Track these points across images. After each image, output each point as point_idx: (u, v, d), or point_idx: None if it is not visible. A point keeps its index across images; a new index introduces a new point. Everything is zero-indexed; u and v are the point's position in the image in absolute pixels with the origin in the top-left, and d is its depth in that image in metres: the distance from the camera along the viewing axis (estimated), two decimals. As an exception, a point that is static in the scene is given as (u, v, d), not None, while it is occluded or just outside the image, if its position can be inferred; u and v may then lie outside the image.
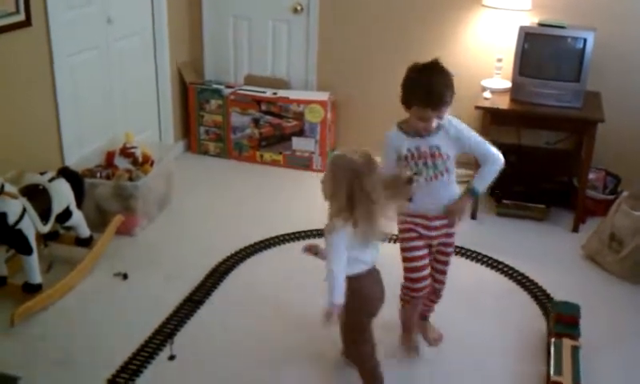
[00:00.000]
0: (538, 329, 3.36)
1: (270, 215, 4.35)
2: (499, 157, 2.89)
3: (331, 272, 2.50)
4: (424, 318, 3.19)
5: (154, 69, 4.96)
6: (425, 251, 2.93)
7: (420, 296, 2.97)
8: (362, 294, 2.63)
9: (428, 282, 2.96)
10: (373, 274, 2.72)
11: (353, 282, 2.58)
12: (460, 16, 4.66)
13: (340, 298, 2.51)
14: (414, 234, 2.90)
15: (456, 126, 2.90)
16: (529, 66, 4.23)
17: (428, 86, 2.73)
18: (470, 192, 2.92)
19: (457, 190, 2.94)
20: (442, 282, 3.09)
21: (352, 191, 2.50)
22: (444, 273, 3.08)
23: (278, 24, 5.13)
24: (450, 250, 3.04)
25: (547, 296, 3.62)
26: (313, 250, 2.85)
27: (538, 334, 3.32)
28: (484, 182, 2.92)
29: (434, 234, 2.92)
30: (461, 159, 4.90)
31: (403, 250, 2.95)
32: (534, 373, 3.05)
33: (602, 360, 3.15)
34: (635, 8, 4.35)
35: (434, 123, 2.79)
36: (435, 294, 3.11)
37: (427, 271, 2.95)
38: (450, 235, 2.99)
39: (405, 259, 2.95)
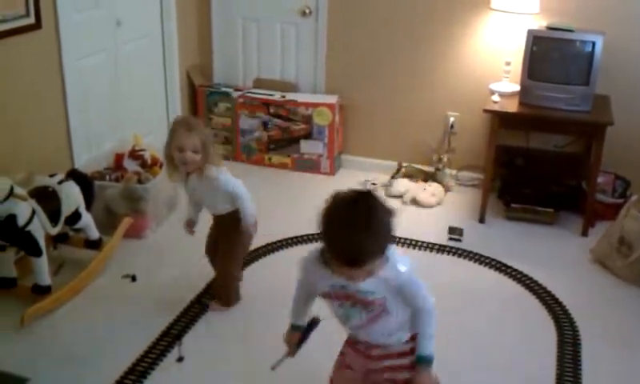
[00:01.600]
0: (546, 333, 3.35)
1: (278, 218, 4.35)
2: (427, 304, 2.25)
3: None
4: None
5: (163, 71, 4.98)
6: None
7: None
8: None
9: None
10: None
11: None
12: (468, 19, 4.65)
13: None
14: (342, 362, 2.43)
15: (399, 282, 2.12)
16: (537, 69, 4.22)
17: (339, 239, 1.98)
18: (422, 363, 2.26)
19: (404, 331, 2.28)
20: None
21: None
22: None
23: (286, 27, 5.14)
24: None
25: (556, 300, 3.61)
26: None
27: (546, 338, 3.31)
28: (429, 340, 2.27)
29: (371, 366, 2.33)
30: (472, 162, 4.91)
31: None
32: (542, 377, 3.04)
33: (610, 364, 3.14)
34: (644, 11, 4.34)
35: (363, 276, 2.03)
36: None
37: None
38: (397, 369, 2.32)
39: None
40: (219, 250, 3.43)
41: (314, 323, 2.44)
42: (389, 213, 2.00)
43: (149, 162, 4.25)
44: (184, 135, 3.10)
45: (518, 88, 4.39)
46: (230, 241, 3.37)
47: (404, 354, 2.29)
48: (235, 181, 3.30)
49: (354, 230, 1.93)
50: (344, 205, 2.00)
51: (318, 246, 2.16)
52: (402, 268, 2.11)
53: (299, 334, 2.46)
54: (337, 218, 1.98)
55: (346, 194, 2.01)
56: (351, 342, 2.39)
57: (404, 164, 4.99)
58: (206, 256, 3.56)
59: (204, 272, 3.73)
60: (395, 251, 2.10)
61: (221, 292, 3.47)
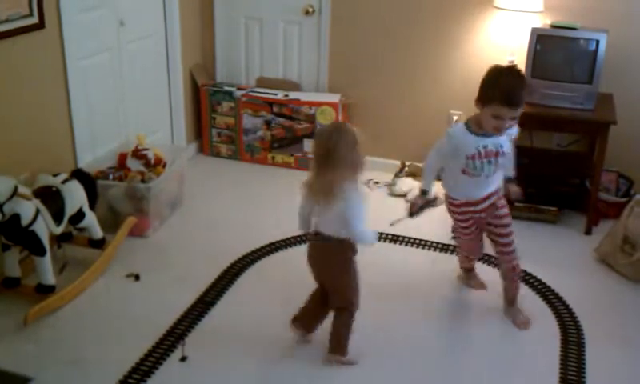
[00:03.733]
0: (549, 332, 3.35)
1: (281, 217, 4.35)
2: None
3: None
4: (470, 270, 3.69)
5: (166, 71, 4.98)
6: (475, 232, 3.37)
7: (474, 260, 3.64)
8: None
9: (479, 254, 3.58)
10: (311, 240, 3.02)
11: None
12: (472, 18, 4.65)
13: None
14: (464, 222, 3.33)
15: (514, 130, 3.20)
16: (541, 67, 4.22)
17: (509, 87, 2.95)
18: (512, 180, 3.34)
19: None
20: (505, 245, 3.31)
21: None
22: (503, 235, 3.31)
23: (289, 26, 5.14)
24: (505, 220, 3.29)
25: (559, 299, 3.60)
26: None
27: (550, 337, 3.31)
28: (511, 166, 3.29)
29: (482, 215, 3.27)
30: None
31: (457, 233, 3.48)
32: (546, 376, 3.04)
33: (614, 363, 3.14)
34: (648, 9, 4.33)
35: (507, 124, 3.01)
36: (502, 255, 3.37)
37: (478, 247, 3.49)
38: (499, 207, 3.26)
39: (459, 241, 3.55)
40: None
41: (435, 200, 3.46)
42: None
43: (152, 161, 4.25)
44: None
45: (521, 86, 4.38)
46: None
47: (499, 191, 3.27)
48: None
49: (520, 79, 3.01)
50: (507, 66, 3.22)
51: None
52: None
53: (423, 200, 3.44)
54: (506, 71, 3.06)
55: (502, 65, 3.13)
56: (468, 204, 3.25)
57: (407, 163, 4.98)
58: None
59: (207, 271, 3.73)
60: None
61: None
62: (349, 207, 2.77)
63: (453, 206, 3.32)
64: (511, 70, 3.12)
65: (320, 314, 3.11)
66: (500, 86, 2.95)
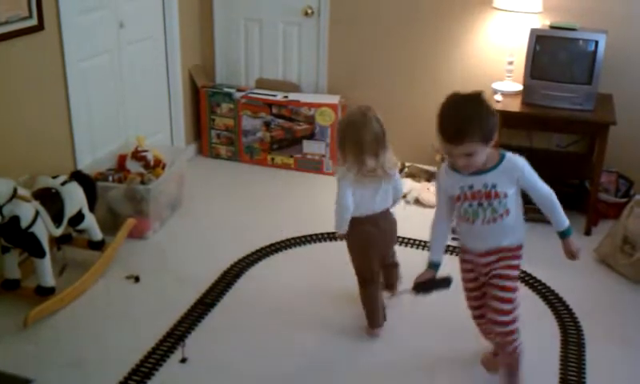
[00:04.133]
0: (549, 333, 3.35)
1: (281, 218, 4.35)
2: (551, 193, 2.78)
3: (336, 207, 3.04)
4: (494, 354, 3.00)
5: (166, 73, 4.98)
6: (477, 292, 2.85)
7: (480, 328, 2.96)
8: (357, 233, 3.08)
9: (482, 319, 2.88)
10: (374, 218, 3.08)
11: (354, 222, 3.05)
12: (471, 19, 4.65)
13: (340, 228, 3.06)
14: (465, 272, 2.88)
15: (516, 166, 2.66)
16: (540, 68, 4.22)
17: (448, 120, 2.55)
18: (567, 234, 2.82)
19: (522, 230, 2.82)
20: (494, 322, 2.75)
21: (344, 140, 3.00)
22: (495, 311, 2.73)
23: (288, 27, 5.14)
24: (503, 282, 2.72)
25: (559, 299, 3.60)
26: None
27: (550, 337, 3.31)
28: (563, 215, 2.82)
29: (487, 269, 2.76)
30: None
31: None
32: (546, 377, 3.04)
33: (614, 364, 3.14)
34: (647, 10, 4.33)
35: (477, 160, 2.53)
36: (494, 333, 2.80)
37: (478, 309, 2.88)
38: (505, 266, 2.74)
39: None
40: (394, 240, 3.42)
41: (446, 280, 2.79)
42: (492, 114, 2.53)
43: (152, 163, 4.25)
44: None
45: (520, 87, 4.39)
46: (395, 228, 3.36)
47: (515, 250, 2.77)
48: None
49: (457, 112, 2.50)
50: (455, 97, 2.56)
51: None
52: (519, 159, 2.63)
53: (431, 274, 2.82)
54: (447, 105, 2.55)
55: (459, 93, 2.56)
56: (469, 252, 2.80)
57: (407, 164, 4.99)
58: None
59: (207, 272, 3.73)
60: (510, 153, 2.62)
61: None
62: (397, 179, 3.18)
63: (460, 250, 2.92)
64: (458, 99, 2.56)
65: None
66: (440, 119, 2.57)
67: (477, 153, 2.48)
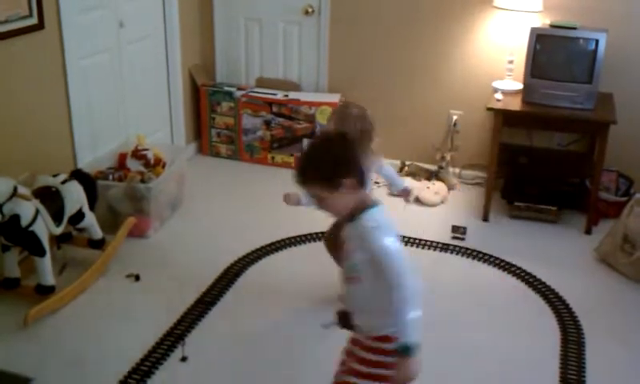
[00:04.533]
0: (550, 331, 3.35)
1: (281, 217, 4.35)
2: (401, 285, 1.99)
3: None
4: None
5: (166, 71, 4.98)
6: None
7: None
8: None
9: None
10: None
11: None
12: (471, 18, 4.65)
13: None
14: None
15: (363, 233, 2.06)
16: (540, 67, 4.22)
17: (297, 161, 2.32)
18: (399, 352, 2.03)
19: (385, 320, 2.09)
20: None
21: None
22: None
23: (289, 26, 5.14)
24: (344, 377, 2.26)
25: (560, 298, 3.60)
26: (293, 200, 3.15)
27: (550, 336, 3.31)
28: (406, 327, 2.01)
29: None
30: (475, 161, 4.91)
31: None
32: (546, 375, 3.04)
33: (614, 362, 3.14)
34: (648, 9, 4.33)
35: (328, 206, 2.12)
36: None
37: None
38: (353, 356, 2.24)
39: None
40: None
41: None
42: (340, 160, 2.06)
43: (152, 161, 4.25)
44: None
45: (521, 86, 4.39)
46: None
47: (371, 341, 2.15)
48: None
49: (305, 152, 2.22)
50: (316, 137, 2.50)
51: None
52: (372, 223, 2.04)
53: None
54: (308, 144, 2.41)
55: (326, 133, 2.44)
56: None
57: (407, 162, 4.99)
58: (330, 253, 3.34)
59: (207, 271, 3.73)
60: (378, 214, 2.07)
61: None
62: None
63: None
64: (314, 139, 2.41)
65: None
66: None
67: (324, 199, 2.09)
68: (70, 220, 3.53)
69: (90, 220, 3.69)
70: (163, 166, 4.29)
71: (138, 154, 4.25)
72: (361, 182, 2.07)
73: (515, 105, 4.27)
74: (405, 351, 1.99)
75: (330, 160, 2.08)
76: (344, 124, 2.97)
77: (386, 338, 2.10)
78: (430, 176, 4.86)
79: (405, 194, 3.51)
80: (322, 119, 4.93)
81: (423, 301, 3.42)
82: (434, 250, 4.07)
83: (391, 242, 2.02)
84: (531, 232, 4.32)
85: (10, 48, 3.50)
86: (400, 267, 1.99)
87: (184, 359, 3.06)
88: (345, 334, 2.33)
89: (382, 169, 3.37)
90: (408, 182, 3.57)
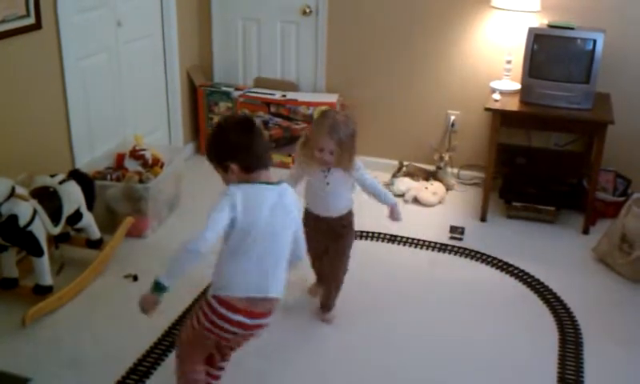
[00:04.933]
0: (547, 331, 3.35)
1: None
2: (198, 233, 2.42)
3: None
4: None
5: (164, 71, 4.98)
6: None
7: None
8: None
9: None
10: None
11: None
12: (469, 18, 4.65)
13: None
14: None
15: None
16: (538, 67, 4.22)
17: None
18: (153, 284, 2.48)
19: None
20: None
21: None
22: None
23: (286, 26, 5.14)
24: None
25: (557, 298, 3.61)
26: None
27: (548, 336, 3.31)
28: (168, 265, 2.51)
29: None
30: (473, 161, 4.91)
31: None
32: (544, 376, 3.04)
33: (612, 362, 3.14)
34: (645, 9, 4.34)
35: (225, 182, 2.58)
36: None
37: None
38: None
39: None
40: (332, 255, 3.28)
41: None
42: (239, 137, 2.40)
43: (150, 161, 4.25)
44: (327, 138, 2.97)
45: (518, 86, 4.40)
46: (345, 243, 3.28)
47: None
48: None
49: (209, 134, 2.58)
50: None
51: None
52: (225, 191, 2.45)
53: None
54: None
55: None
56: None
57: (405, 163, 4.99)
58: (314, 266, 3.42)
59: (205, 272, 3.72)
60: (241, 187, 2.42)
61: (331, 300, 3.36)
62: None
63: None
64: (218, 123, 2.59)
65: None
66: None
67: (220, 175, 2.52)
68: (67, 220, 3.52)
69: (88, 220, 3.68)
70: (161, 166, 4.29)
71: (135, 154, 4.24)
72: (246, 168, 2.40)
73: (513, 105, 4.28)
74: (154, 285, 2.46)
75: (220, 145, 2.44)
76: (336, 131, 2.96)
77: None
78: (428, 176, 4.86)
79: (393, 213, 3.27)
80: (320, 119, 4.92)
81: (420, 300, 3.43)
82: (432, 250, 4.08)
83: (219, 206, 2.42)
84: (529, 232, 4.32)
85: (7, 48, 3.50)
86: (207, 220, 2.40)
87: (182, 359, 3.06)
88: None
89: (365, 180, 3.17)
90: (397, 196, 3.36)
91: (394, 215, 3.27)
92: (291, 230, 2.50)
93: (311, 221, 3.18)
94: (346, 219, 3.24)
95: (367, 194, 3.23)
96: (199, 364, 2.57)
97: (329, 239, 3.24)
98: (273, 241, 2.43)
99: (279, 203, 2.43)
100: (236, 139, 2.40)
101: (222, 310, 2.43)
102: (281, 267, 2.46)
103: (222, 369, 2.72)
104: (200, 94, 5.22)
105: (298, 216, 2.55)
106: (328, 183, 3.10)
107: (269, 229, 2.40)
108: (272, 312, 2.49)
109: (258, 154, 2.42)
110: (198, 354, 2.56)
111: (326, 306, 3.36)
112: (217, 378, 2.71)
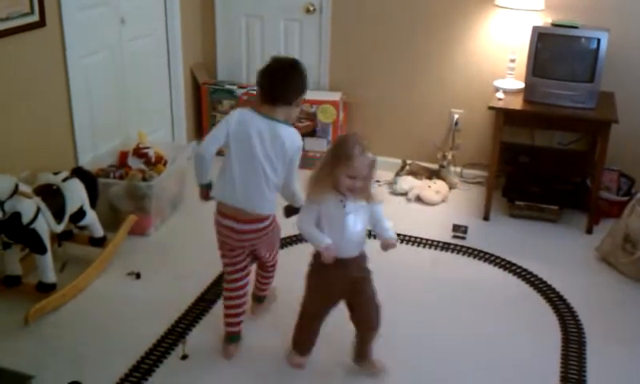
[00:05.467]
0: (550, 331, 3.35)
1: (282, 215, 4.34)
2: None
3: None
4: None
5: (167, 69, 4.98)
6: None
7: None
8: None
9: None
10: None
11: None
12: (473, 16, 4.64)
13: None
14: None
15: None
16: (542, 66, 4.21)
17: None
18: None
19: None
20: None
21: None
22: None
23: (290, 24, 5.13)
24: None
25: (560, 298, 3.60)
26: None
27: (551, 336, 3.31)
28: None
29: None
30: (477, 160, 4.90)
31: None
32: (547, 375, 3.04)
33: (615, 362, 3.14)
34: (650, 8, 4.32)
35: None
36: None
37: None
38: None
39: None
40: (361, 308, 2.90)
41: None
42: (262, 74, 2.90)
43: (153, 159, 4.25)
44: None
45: (522, 85, 4.39)
46: (372, 286, 2.92)
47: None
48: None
49: None
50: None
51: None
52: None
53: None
54: None
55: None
56: None
57: (408, 161, 4.98)
58: (309, 327, 2.99)
59: (208, 269, 3.73)
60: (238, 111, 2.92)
61: (369, 348, 2.98)
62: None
63: None
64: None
65: None
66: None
67: None
68: (71, 218, 3.53)
69: (91, 218, 3.69)
70: (164, 164, 4.29)
71: (139, 152, 4.25)
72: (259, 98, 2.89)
73: (516, 104, 4.27)
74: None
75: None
76: (367, 155, 2.74)
77: None
78: (431, 175, 4.86)
79: (387, 244, 2.83)
80: (323, 117, 4.93)
81: (423, 298, 3.42)
82: (435, 248, 4.07)
83: (222, 120, 2.92)
84: (532, 231, 4.32)
85: (11, 45, 3.50)
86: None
87: (184, 357, 3.07)
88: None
89: (376, 210, 2.83)
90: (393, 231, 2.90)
91: (386, 246, 2.83)
92: (280, 161, 2.86)
93: (325, 270, 2.78)
94: (365, 257, 2.89)
95: (371, 227, 2.87)
96: (229, 262, 3.05)
97: (349, 292, 2.87)
98: (254, 162, 2.82)
99: (268, 132, 2.82)
100: (260, 75, 2.90)
101: (217, 216, 2.98)
102: (263, 188, 2.85)
103: (267, 270, 3.28)
104: (203, 92, 5.22)
105: (291, 150, 2.88)
106: (347, 213, 2.73)
107: (251, 150, 2.81)
108: (260, 222, 2.93)
109: (268, 92, 2.87)
110: (226, 254, 3.04)
111: (363, 354, 2.99)
112: (263, 277, 3.33)
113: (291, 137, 2.88)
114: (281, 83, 2.86)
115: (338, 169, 2.67)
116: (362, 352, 2.98)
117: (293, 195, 3.01)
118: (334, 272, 2.78)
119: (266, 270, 3.30)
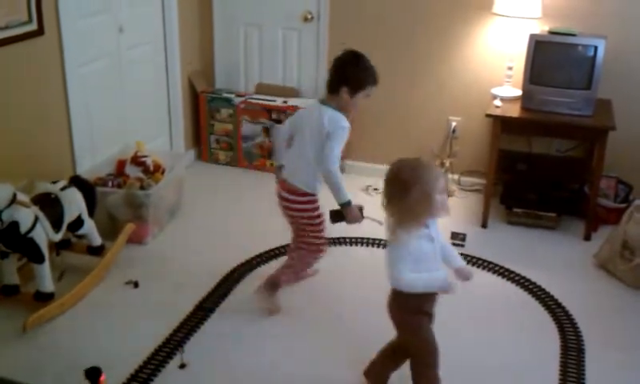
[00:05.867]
0: (549, 338, 3.34)
1: (280, 223, 4.34)
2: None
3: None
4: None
5: (165, 78, 4.99)
6: None
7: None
8: None
9: None
10: None
11: None
12: (470, 24, 4.65)
13: None
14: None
15: None
16: (539, 73, 4.22)
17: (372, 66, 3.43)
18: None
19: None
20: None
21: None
22: None
23: (288, 33, 5.14)
24: None
25: (559, 305, 3.60)
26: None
27: (550, 343, 3.31)
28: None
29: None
30: (474, 167, 4.90)
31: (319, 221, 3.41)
32: (547, 381, 3.04)
33: (614, 370, 3.13)
34: (646, 15, 4.34)
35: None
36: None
37: None
38: None
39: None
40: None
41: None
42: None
43: (151, 168, 4.25)
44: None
45: (520, 92, 4.40)
46: None
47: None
48: None
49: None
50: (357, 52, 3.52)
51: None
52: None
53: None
54: (363, 56, 3.57)
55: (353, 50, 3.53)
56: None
57: (406, 169, 4.97)
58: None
59: (206, 278, 3.73)
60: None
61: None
62: None
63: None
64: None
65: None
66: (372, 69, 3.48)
67: None
68: (69, 227, 3.53)
69: (89, 227, 3.68)
70: (162, 173, 4.29)
71: (137, 161, 4.25)
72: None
73: (514, 111, 4.28)
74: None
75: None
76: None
77: None
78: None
79: (464, 275, 2.74)
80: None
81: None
82: (434, 256, 4.07)
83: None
84: (530, 238, 4.32)
85: (9, 54, 3.51)
86: None
87: (183, 366, 3.06)
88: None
89: (445, 249, 2.72)
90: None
91: (465, 277, 2.75)
92: (317, 136, 3.17)
93: (414, 299, 2.67)
94: None
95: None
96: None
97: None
98: (303, 144, 3.23)
99: (316, 118, 3.19)
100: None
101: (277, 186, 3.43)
102: (306, 167, 3.25)
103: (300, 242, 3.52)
104: (201, 100, 5.23)
105: (329, 126, 3.18)
106: (433, 239, 2.60)
107: (302, 133, 3.24)
108: (296, 194, 3.32)
109: (328, 81, 3.32)
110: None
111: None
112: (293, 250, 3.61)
113: (332, 116, 3.18)
114: (331, 73, 3.32)
115: (435, 192, 2.48)
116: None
117: (329, 173, 3.13)
118: (424, 296, 2.67)
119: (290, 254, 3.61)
